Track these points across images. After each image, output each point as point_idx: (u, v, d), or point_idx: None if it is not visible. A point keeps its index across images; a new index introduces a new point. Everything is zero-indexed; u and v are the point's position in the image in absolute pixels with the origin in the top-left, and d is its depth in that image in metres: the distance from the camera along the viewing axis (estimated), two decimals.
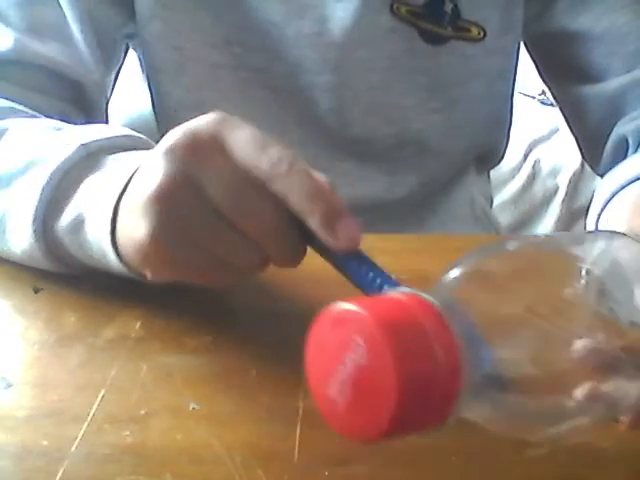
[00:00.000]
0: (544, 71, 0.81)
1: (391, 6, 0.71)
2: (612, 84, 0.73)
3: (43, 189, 0.48)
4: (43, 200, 0.48)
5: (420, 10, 0.72)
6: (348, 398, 0.30)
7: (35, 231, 0.48)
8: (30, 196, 0.48)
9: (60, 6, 0.67)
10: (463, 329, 0.30)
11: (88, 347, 0.47)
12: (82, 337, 0.48)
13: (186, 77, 0.74)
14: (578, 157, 1.26)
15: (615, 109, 0.73)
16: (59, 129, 0.54)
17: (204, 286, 0.46)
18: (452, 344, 0.29)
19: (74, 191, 0.48)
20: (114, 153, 0.49)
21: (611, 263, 0.37)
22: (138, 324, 0.49)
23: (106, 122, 0.75)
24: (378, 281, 0.38)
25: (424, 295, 0.31)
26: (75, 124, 0.57)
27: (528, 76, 0.89)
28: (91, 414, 0.41)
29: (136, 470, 0.38)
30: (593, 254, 0.37)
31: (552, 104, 1.57)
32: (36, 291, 0.52)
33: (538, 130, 1.72)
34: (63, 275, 0.52)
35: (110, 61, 0.73)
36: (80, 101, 0.68)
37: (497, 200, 1.45)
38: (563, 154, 1.64)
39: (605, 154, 0.74)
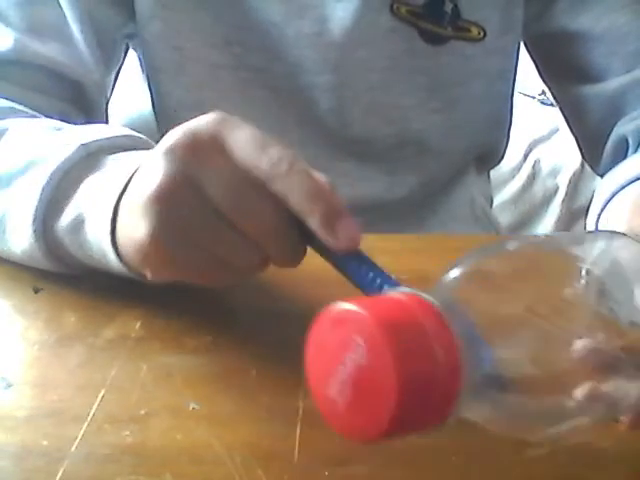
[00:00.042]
0: (544, 71, 0.81)
1: (391, 6, 0.71)
2: (612, 84, 0.73)
3: (43, 189, 0.48)
4: (43, 200, 0.48)
5: (420, 10, 0.72)
6: (348, 398, 0.30)
7: (35, 231, 0.48)
8: (30, 196, 0.48)
9: (60, 6, 0.67)
10: (463, 329, 0.30)
11: (88, 347, 0.47)
12: (82, 337, 0.48)
13: (186, 77, 0.74)
14: (578, 157, 1.26)
15: (615, 109, 0.73)
16: (59, 129, 0.54)
17: (204, 286, 0.46)
18: (452, 344, 0.29)
19: (74, 191, 0.48)
20: (114, 153, 0.49)
21: (611, 263, 0.37)
22: (138, 324, 0.49)
23: (106, 122, 0.75)
24: (378, 281, 0.38)
25: (424, 295, 0.31)
26: (75, 124, 0.57)
27: (528, 76, 0.89)
28: (91, 414, 0.41)
29: (136, 470, 0.38)
30: (593, 254, 0.37)
31: (552, 104, 1.57)
32: (36, 291, 0.52)
33: (538, 130, 1.72)
34: (63, 275, 0.52)
35: (110, 61, 0.73)
36: (80, 101, 0.68)
37: (497, 200, 1.45)
38: (563, 154, 1.64)
39: (605, 154, 0.74)
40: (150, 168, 0.42)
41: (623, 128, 0.71)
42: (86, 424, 0.40)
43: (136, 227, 0.42)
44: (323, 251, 0.41)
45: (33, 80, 0.65)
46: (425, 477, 0.39)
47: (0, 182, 0.51)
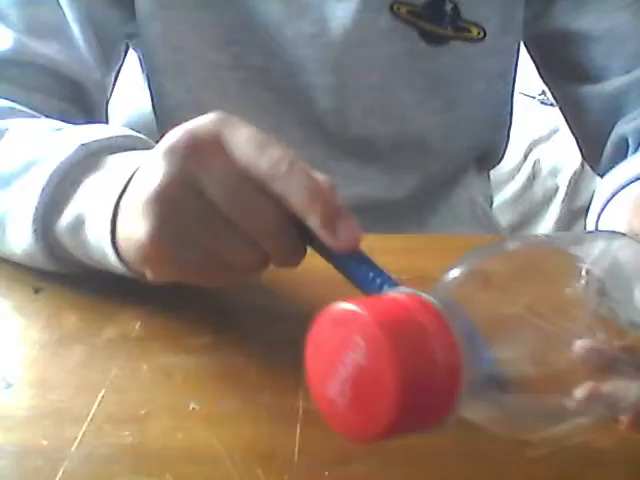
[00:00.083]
0: (544, 71, 0.81)
1: (391, 6, 0.71)
2: (612, 84, 0.73)
3: (43, 189, 0.48)
4: (43, 200, 0.48)
5: (420, 10, 0.72)
6: (348, 398, 0.30)
7: (35, 231, 0.48)
8: (30, 196, 0.48)
9: (60, 6, 0.67)
10: (463, 329, 0.30)
11: (88, 347, 0.47)
12: (82, 337, 0.48)
13: (186, 77, 0.74)
14: (578, 157, 1.25)
15: (615, 109, 0.73)
16: (59, 129, 0.54)
17: (204, 286, 0.46)
18: (452, 344, 0.29)
19: (74, 191, 0.48)
20: (114, 153, 0.49)
21: (611, 263, 0.37)
22: (138, 324, 0.49)
23: (106, 122, 0.75)
24: (378, 281, 0.38)
25: (424, 295, 0.31)
26: (75, 124, 0.57)
27: (528, 76, 0.89)
28: (91, 414, 0.41)
29: (136, 470, 0.38)
30: (593, 254, 0.37)
31: (552, 104, 1.57)
32: (36, 291, 0.52)
33: (538, 130, 1.72)
34: (63, 275, 0.52)
35: (110, 61, 0.73)
36: (80, 101, 0.68)
37: (497, 200, 1.45)
38: (563, 154, 1.64)
39: (605, 154, 0.74)
40: (150, 168, 0.42)
41: (623, 128, 0.71)
42: (86, 424, 0.40)
43: (136, 227, 0.42)
44: (323, 251, 0.41)
45: (33, 80, 0.65)
46: (425, 477, 0.39)
47: (0, 182, 0.51)
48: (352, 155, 0.78)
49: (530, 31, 0.77)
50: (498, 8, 0.74)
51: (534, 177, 1.65)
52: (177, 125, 0.42)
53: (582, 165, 1.59)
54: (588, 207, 0.60)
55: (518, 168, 1.66)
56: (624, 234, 0.41)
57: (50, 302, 0.51)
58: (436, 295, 0.31)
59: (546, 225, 1.63)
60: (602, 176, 0.67)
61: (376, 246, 0.41)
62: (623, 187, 0.57)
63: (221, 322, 0.49)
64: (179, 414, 0.41)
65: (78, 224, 0.47)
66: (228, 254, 0.41)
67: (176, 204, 0.40)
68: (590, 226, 0.59)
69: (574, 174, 1.62)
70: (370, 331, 0.29)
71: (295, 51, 0.72)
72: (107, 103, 0.74)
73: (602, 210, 0.58)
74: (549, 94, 0.85)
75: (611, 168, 0.63)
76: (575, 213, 1.61)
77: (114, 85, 0.77)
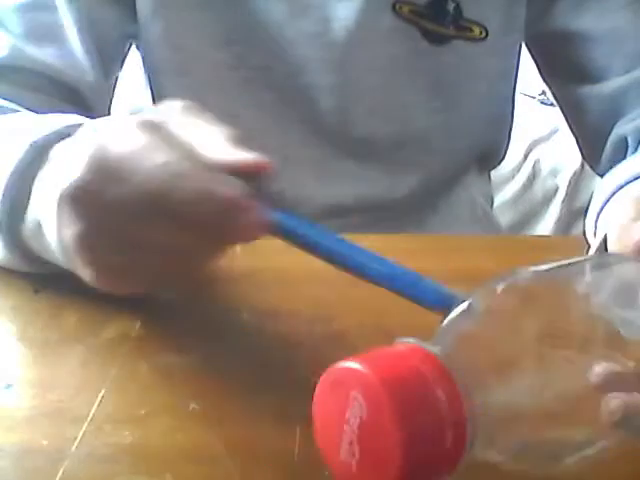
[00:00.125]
0: (544, 71, 0.81)
1: (393, 6, 0.71)
2: (612, 84, 0.73)
3: (4, 196, 0.47)
4: (6, 209, 0.47)
5: (422, 10, 0.72)
6: (357, 457, 0.30)
7: (4, 240, 0.48)
8: None
9: (58, 10, 0.67)
10: (467, 378, 0.29)
11: (88, 347, 0.47)
12: (82, 337, 0.48)
13: (187, 77, 0.74)
14: (578, 157, 1.25)
15: (615, 109, 0.73)
16: (16, 129, 0.52)
17: (170, 289, 0.45)
18: (455, 395, 0.29)
19: (30, 193, 0.46)
20: (60, 142, 0.47)
21: (616, 284, 0.37)
22: (138, 324, 0.49)
23: None
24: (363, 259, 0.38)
25: (425, 346, 0.30)
26: None
27: (528, 76, 0.89)
28: (91, 414, 0.41)
29: (136, 470, 0.38)
30: (597, 278, 0.37)
31: (552, 104, 1.56)
32: (36, 291, 0.52)
33: (538, 130, 1.71)
34: (63, 275, 0.51)
35: (111, 62, 0.73)
36: (78, 103, 0.68)
37: (497, 200, 1.45)
38: (563, 154, 1.64)
39: (605, 154, 0.74)
40: (71, 167, 0.40)
41: (623, 128, 0.71)
42: (86, 424, 0.40)
43: (66, 231, 0.41)
44: (305, 248, 0.40)
45: (30, 82, 0.65)
46: None
47: None
48: (353, 155, 0.78)
49: (530, 31, 0.77)
50: (500, 7, 0.74)
51: (534, 177, 1.65)
52: None
53: (582, 165, 1.59)
54: (587, 207, 0.60)
55: (518, 168, 1.66)
56: (629, 258, 0.41)
57: (50, 302, 0.51)
58: (437, 343, 0.31)
59: (546, 225, 1.63)
60: (602, 176, 0.67)
61: (376, 246, 0.41)
62: (622, 187, 0.57)
63: (221, 322, 0.49)
64: (179, 414, 0.41)
65: (37, 228, 0.46)
66: (169, 246, 0.40)
67: (96, 205, 0.39)
68: (589, 226, 0.59)
69: (574, 174, 1.62)
70: (372, 389, 0.29)
71: (297, 51, 0.72)
72: (110, 103, 0.74)
73: (601, 210, 0.57)
74: (549, 94, 0.85)
75: (610, 168, 0.63)
76: (575, 213, 1.61)
77: (115, 85, 0.77)
